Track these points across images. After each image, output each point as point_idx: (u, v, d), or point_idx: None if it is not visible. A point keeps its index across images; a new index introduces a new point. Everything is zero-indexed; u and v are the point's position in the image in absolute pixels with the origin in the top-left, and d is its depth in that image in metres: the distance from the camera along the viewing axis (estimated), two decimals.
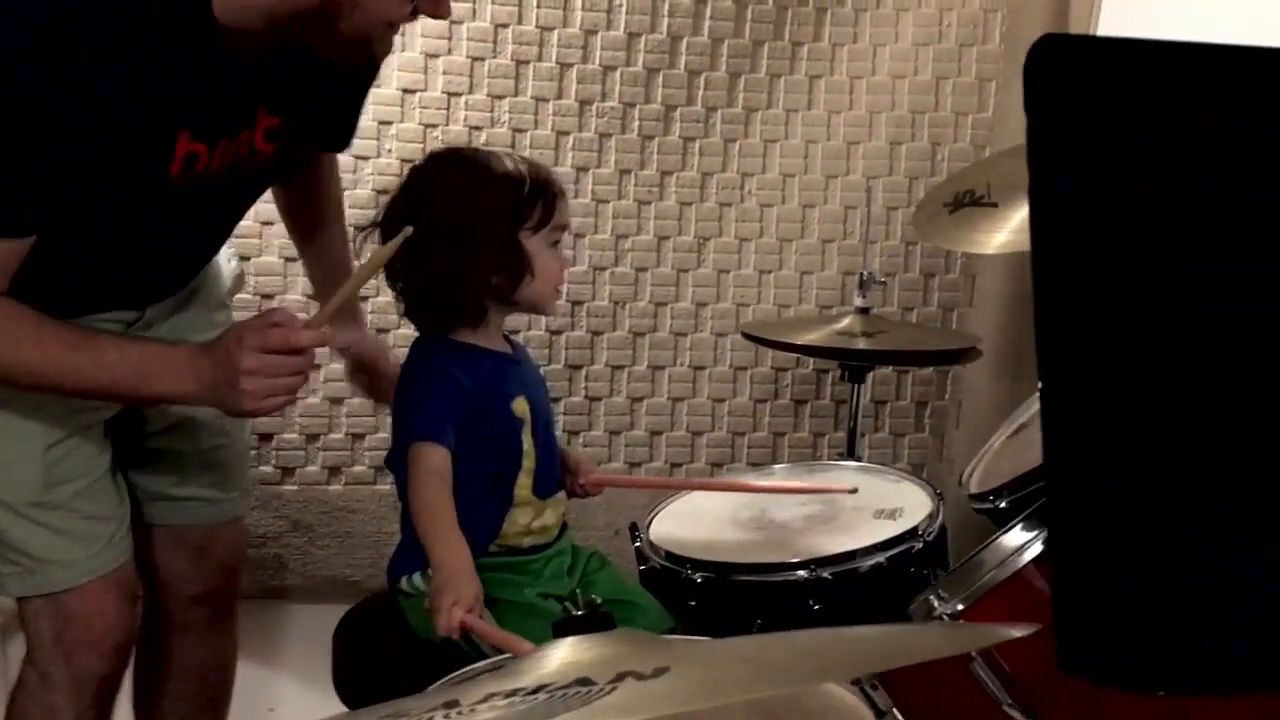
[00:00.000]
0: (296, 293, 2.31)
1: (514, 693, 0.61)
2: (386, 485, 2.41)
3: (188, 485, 1.70)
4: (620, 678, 0.59)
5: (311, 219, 1.83)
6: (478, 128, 2.35)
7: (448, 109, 2.33)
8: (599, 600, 0.84)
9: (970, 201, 1.89)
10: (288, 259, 2.30)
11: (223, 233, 1.60)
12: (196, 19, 1.23)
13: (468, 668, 1.29)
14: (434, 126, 2.33)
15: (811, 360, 2.49)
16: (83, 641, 1.51)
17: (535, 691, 0.60)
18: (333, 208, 1.85)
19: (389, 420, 2.36)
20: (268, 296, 2.29)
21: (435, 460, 1.46)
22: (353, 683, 1.56)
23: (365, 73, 1.58)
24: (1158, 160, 0.69)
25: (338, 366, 2.33)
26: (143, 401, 1.52)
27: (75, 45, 1.17)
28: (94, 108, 1.19)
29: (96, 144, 1.22)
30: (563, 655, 0.75)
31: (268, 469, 2.34)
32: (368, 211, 2.27)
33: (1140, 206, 0.69)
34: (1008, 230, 1.84)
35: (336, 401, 2.36)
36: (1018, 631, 0.64)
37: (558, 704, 0.58)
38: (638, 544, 1.77)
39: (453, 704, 0.65)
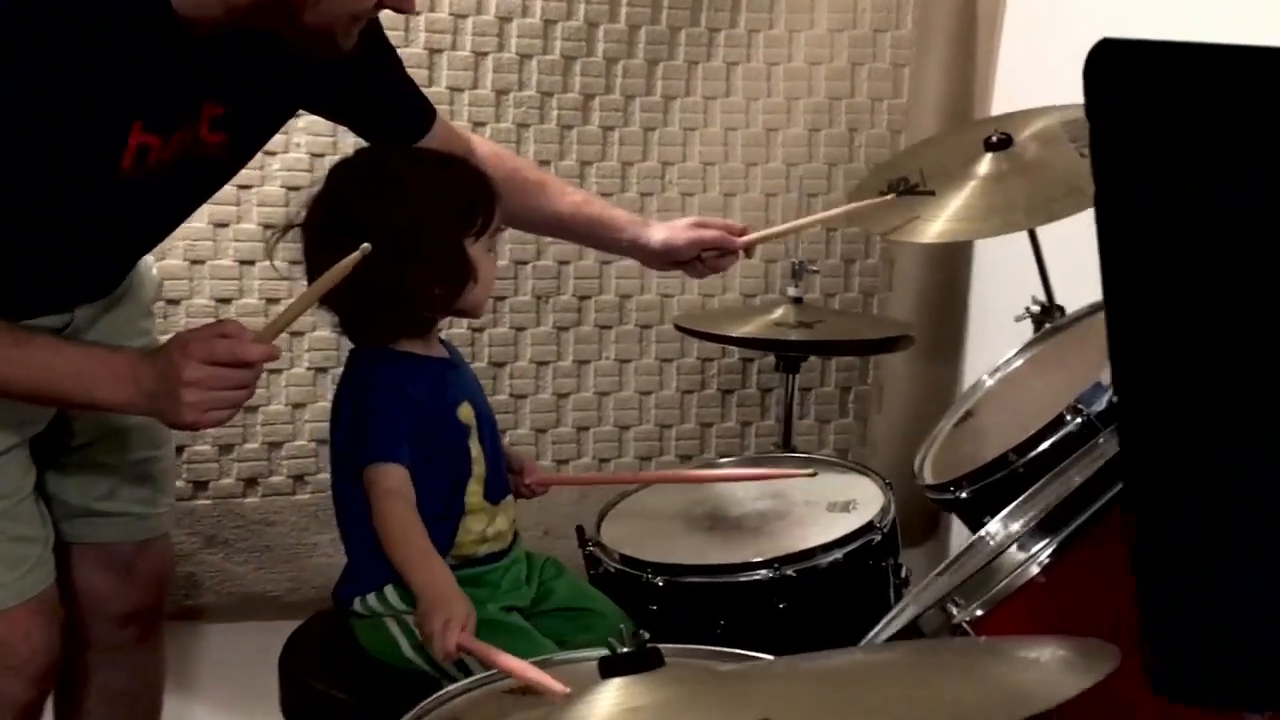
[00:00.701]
0: (204, 297, 2.19)
1: None
2: (306, 495, 2.31)
3: (117, 499, 1.64)
4: None
5: (524, 190, 1.67)
6: None
7: None
8: (646, 635, 0.80)
9: (906, 190, 1.90)
10: (192, 261, 2.18)
11: (166, 229, 1.53)
12: (152, 7, 1.17)
13: (443, 691, 1.24)
14: None
15: (737, 349, 2.47)
16: (7, 667, 1.45)
17: None
18: (520, 161, 1.75)
19: (308, 426, 2.29)
20: (173, 302, 2.16)
21: (395, 481, 1.39)
22: (305, 707, 1.49)
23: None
24: (1223, 163, 0.67)
25: None
26: (78, 407, 1.45)
27: (26, 36, 1.10)
28: (45, 99, 1.13)
29: (47, 137, 1.15)
30: (618, 699, 0.70)
31: (179, 483, 2.21)
32: (279, 209, 2.20)
33: (1207, 210, 0.67)
34: (945, 219, 1.85)
35: (250, 410, 2.24)
36: (1115, 659, 0.61)
37: None
38: (590, 549, 1.73)
39: None
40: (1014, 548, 0.98)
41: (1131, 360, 0.68)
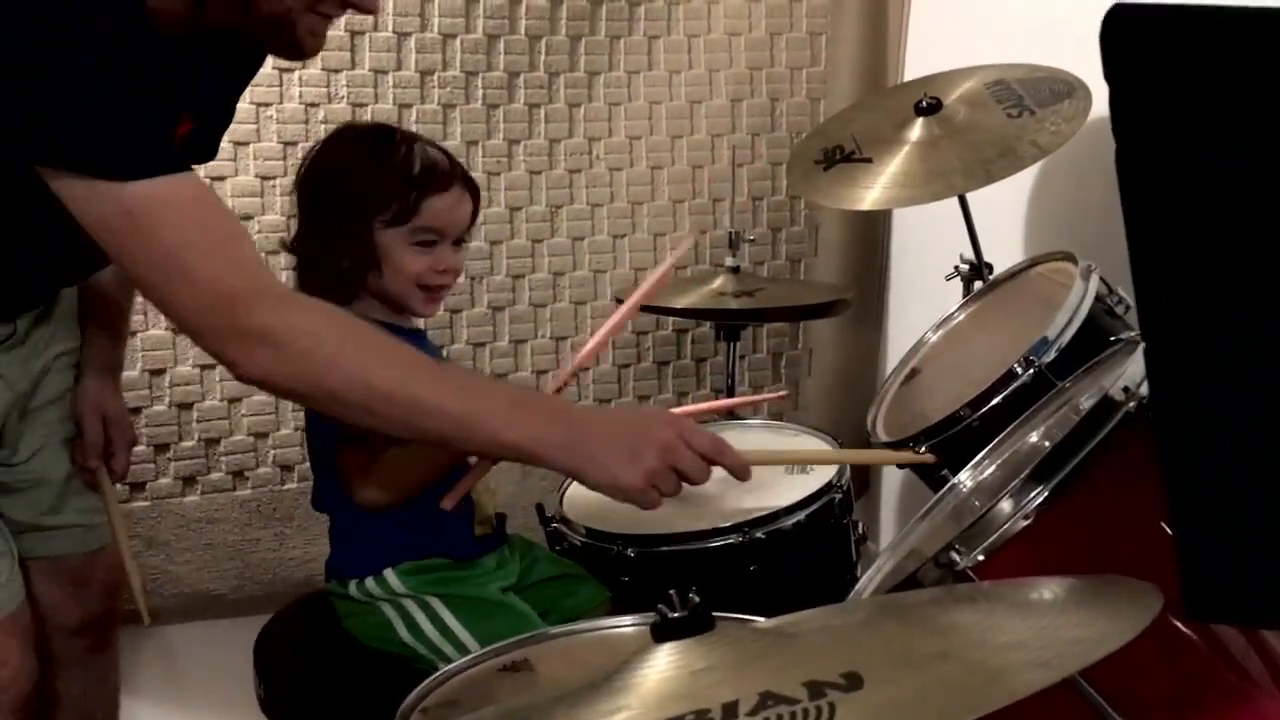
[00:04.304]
0: None
1: None
2: (247, 491, 2.27)
3: (63, 512, 1.62)
4: (819, 691, 0.56)
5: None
6: (314, 104, 2.22)
7: (280, 86, 2.19)
8: (696, 597, 0.82)
9: (842, 158, 1.93)
10: None
11: None
12: (135, 10, 1.16)
13: (440, 671, 1.24)
14: (267, 105, 2.18)
15: (670, 320, 2.50)
16: None
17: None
18: None
19: (245, 421, 2.25)
20: None
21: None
22: (292, 701, 1.47)
23: (246, 75, 1.50)
24: (1240, 122, 0.71)
25: (184, 370, 2.18)
26: (483, 447, 1.27)
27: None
28: None
29: None
30: (680, 662, 0.72)
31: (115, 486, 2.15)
32: None
33: (1225, 168, 0.71)
34: (882, 186, 1.89)
35: (185, 407, 2.19)
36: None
37: None
38: (554, 525, 1.74)
39: None
40: (1007, 498, 1.02)
41: (1156, 313, 0.72)
